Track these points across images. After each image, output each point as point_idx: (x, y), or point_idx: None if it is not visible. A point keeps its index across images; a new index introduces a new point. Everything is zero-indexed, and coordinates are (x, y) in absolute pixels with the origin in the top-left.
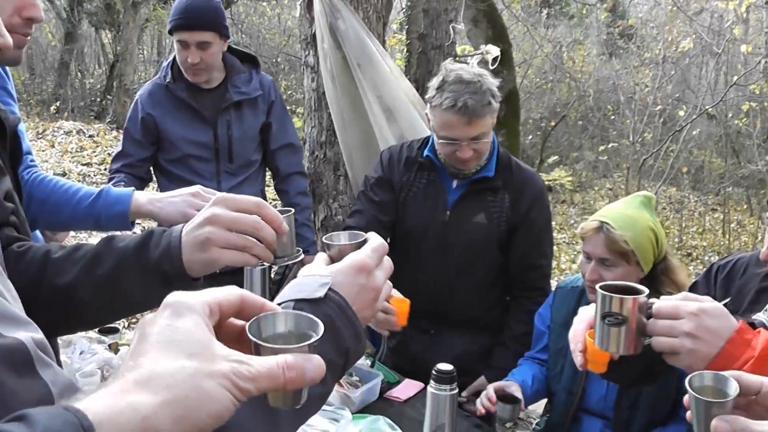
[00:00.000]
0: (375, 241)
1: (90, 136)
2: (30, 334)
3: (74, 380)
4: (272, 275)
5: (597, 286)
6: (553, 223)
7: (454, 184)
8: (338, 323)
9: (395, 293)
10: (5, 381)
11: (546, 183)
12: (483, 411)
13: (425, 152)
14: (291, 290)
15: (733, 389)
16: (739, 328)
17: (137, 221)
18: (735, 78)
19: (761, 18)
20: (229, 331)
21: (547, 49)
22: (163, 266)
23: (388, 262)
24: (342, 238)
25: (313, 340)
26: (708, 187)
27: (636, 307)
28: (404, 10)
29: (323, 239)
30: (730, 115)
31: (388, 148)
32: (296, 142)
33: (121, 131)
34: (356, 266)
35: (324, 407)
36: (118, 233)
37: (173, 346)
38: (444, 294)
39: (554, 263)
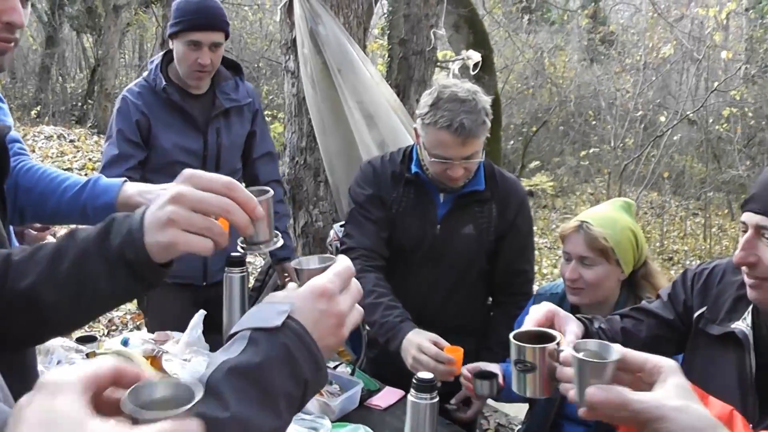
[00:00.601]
0: (340, 264)
1: (71, 141)
2: None
3: None
4: (251, 283)
5: (510, 336)
6: (535, 228)
7: (442, 198)
8: (296, 353)
9: (446, 343)
10: None
11: (527, 188)
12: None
13: (412, 168)
14: (249, 319)
15: (615, 355)
16: None
17: None
18: (716, 84)
19: (741, 25)
20: (110, 401)
21: (529, 54)
22: (126, 254)
23: (355, 285)
24: (312, 262)
25: (190, 405)
26: (689, 192)
27: (545, 355)
28: (385, 15)
29: (292, 265)
30: (711, 120)
31: (369, 162)
32: (274, 150)
33: (102, 136)
34: (316, 291)
35: (303, 416)
36: (83, 226)
37: (49, 428)
38: (434, 303)
39: (536, 268)
